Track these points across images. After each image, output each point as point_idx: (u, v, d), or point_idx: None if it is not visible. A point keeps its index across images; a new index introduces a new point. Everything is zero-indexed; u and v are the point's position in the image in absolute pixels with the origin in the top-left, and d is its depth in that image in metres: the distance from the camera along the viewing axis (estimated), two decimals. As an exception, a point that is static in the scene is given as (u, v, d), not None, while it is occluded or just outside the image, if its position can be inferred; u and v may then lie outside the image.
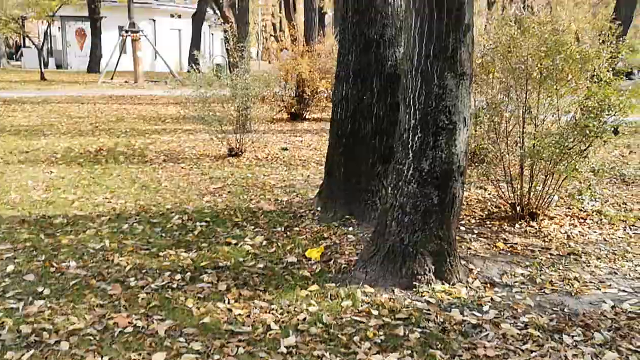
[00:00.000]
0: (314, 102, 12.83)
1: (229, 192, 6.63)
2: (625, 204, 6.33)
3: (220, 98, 8.49)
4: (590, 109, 4.70)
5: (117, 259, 4.44)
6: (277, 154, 9.11)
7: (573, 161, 4.94)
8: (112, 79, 24.40)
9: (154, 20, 38.61)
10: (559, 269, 4.33)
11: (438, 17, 3.87)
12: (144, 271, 4.18)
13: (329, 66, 12.73)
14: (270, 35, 73.49)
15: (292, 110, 12.33)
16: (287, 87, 11.52)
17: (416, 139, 4.04)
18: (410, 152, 4.07)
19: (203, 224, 5.38)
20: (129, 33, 23.78)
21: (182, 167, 7.95)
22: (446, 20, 3.87)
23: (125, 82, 24.10)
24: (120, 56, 25.19)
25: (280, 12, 66.96)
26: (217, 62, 24.95)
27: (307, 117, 13.06)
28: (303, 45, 12.62)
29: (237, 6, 13.49)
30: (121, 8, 28.84)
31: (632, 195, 6.75)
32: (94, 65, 29.67)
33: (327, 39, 15.30)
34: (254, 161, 8.48)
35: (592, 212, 5.88)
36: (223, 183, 7.04)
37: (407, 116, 4.08)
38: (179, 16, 40.76)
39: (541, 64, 4.93)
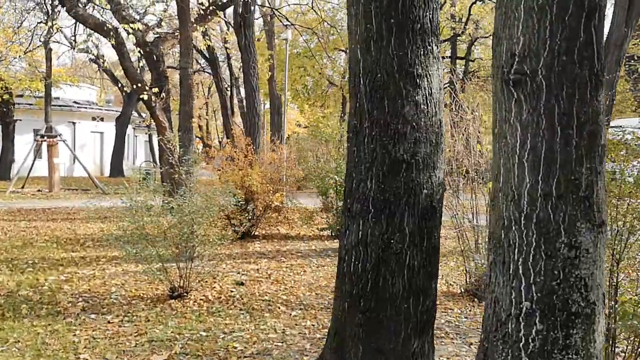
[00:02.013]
0: (265, 219, 11.15)
1: (179, 368, 4.66)
2: None
3: (160, 225, 6.65)
4: None
5: None
6: (231, 290, 7.22)
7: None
8: (23, 187, 21.84)
9: (74, 123, 36.46)
10: None
11: (563, 134, 2.37)
12: None
13: (281, 176, 11.27)
14: (196, 137, 72.45)
15: (242, 229, 10.53)
16: (234, 201, 9.76)
17: (534, 333, 2.40)
18: (522, 355, 2.41)
19: None
20: (45, 138, 21.60)
21: (109, 322, 5.88)
22: (577, 139, 2.38)
23: (39, 191, 21.59)
24: (34, 162, 22.80)
25: (207, 115, 66.44)
26: (145, 169, 23.07)
27: (256, 234, 11.30)
28: (251, 153, 11.08)
29: (180, 111, 11.87)
30: (38, 111, 26.73)
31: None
32: (4, 172, 27.00)
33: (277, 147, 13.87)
34: (205, 305, 6.53)
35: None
36: (169, 351, 5.04)
37: (511, 293, 2.47)
38: (102, 119, 38.83)
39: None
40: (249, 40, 14.23)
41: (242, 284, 7.57)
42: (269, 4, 18.49)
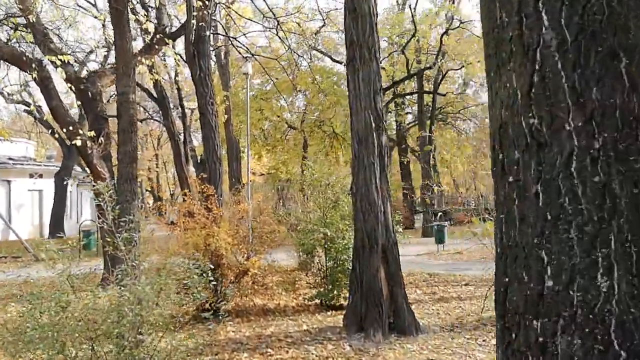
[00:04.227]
0: (236, 289, 8.62)
1: None
2: None
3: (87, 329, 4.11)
4: None
5: None
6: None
7: None
8: (-59, 258, 18.58)
9: (9, 182, 33.06)
10: None
11: None
12: None
13: (256, 233, 8.85)
14: (147, 190, 68.74)
15: (207, 305, 7.97)
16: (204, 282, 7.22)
17: None
18: None
19: None
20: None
21: None
22: None
23: (-42, 261, 18.36)
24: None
25: (157, 167, 63.40)
26: (86, 229, 20.18)
27: (224, 309, 8.72)
28: (215, 206, 8.64)
29: (118, 153, 9.19)
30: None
31: None
32: None
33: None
34: None
35: None
36: None
37: None
38: (40, 176, 35.41)
39: None
40: (204, 73, 11.96)
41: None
42: (225, 32, 16.29)
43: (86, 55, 22.25)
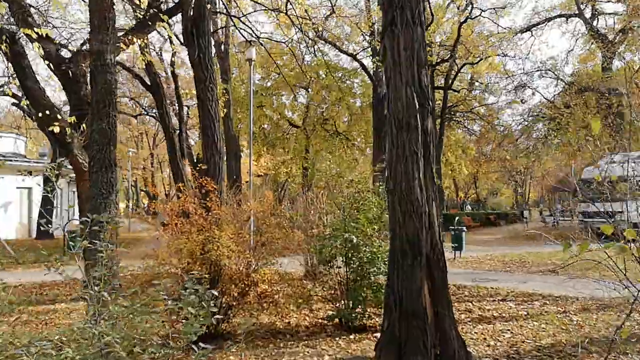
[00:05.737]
0: (239, 306, 7.10)
1: None
2: None
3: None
4: None
5: None
6: None
7: None
8: None
9: (-4, 179, 31.55)
10: None
11: None
12: None
13: (273, 237, 7.33)
14: (141, 190, 66.97)
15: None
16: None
17: None
18: None
19: None
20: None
21: None
22: None
23: None
24: None
25: (152, 166, 61.72)
26: (73, 230, 18.62)
27: (225, 330, 7.21)
28: (216, 204, 7.13)
29: (90, 132, 7.41)
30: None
31: None
32: None
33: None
34: None
35: None
36: None
37: None
38: (30, 173, 33.80)
39: None
40: (204, 53, 10.43)
41: None
42: (227, 11, 14.63)
43: (80, 46, 20.72)
